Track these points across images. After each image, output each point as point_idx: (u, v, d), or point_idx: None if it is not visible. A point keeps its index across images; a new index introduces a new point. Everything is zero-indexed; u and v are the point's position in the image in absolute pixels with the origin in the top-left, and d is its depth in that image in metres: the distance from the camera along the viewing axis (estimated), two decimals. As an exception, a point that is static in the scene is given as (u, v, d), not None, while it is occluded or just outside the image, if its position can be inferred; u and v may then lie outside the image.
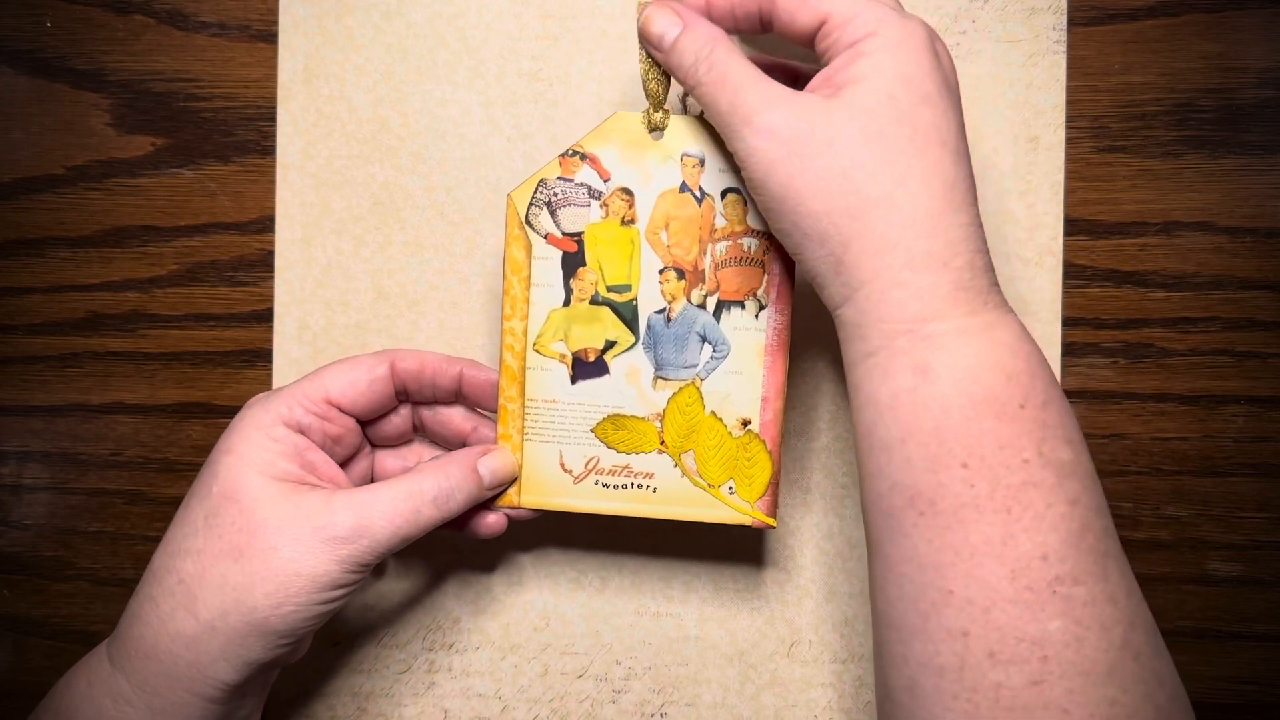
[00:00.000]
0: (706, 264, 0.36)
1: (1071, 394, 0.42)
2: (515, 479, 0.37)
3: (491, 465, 0.36)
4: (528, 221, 0.37)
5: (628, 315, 0.37)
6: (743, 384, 0.37)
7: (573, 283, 0.37)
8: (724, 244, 0.36)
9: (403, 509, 0.34)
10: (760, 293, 0.36)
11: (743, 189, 0.36)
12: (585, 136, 0.37)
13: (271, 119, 0.43)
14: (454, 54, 0.43)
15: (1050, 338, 0.42)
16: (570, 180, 0.37)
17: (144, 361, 0.44)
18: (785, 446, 0.37)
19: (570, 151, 0.37)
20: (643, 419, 0.37)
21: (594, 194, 0.37)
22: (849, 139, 0.30)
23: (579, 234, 0.37)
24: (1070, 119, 0.42)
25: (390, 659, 0.43)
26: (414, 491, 0.34)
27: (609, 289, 0.37)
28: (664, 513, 0.37)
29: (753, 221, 0.36)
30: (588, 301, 0.37)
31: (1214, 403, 0.42)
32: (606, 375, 0.37)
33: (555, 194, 0.37)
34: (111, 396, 0.44)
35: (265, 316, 0.43)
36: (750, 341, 0.36)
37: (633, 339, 0.37)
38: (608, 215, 0.37)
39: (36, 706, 0.35)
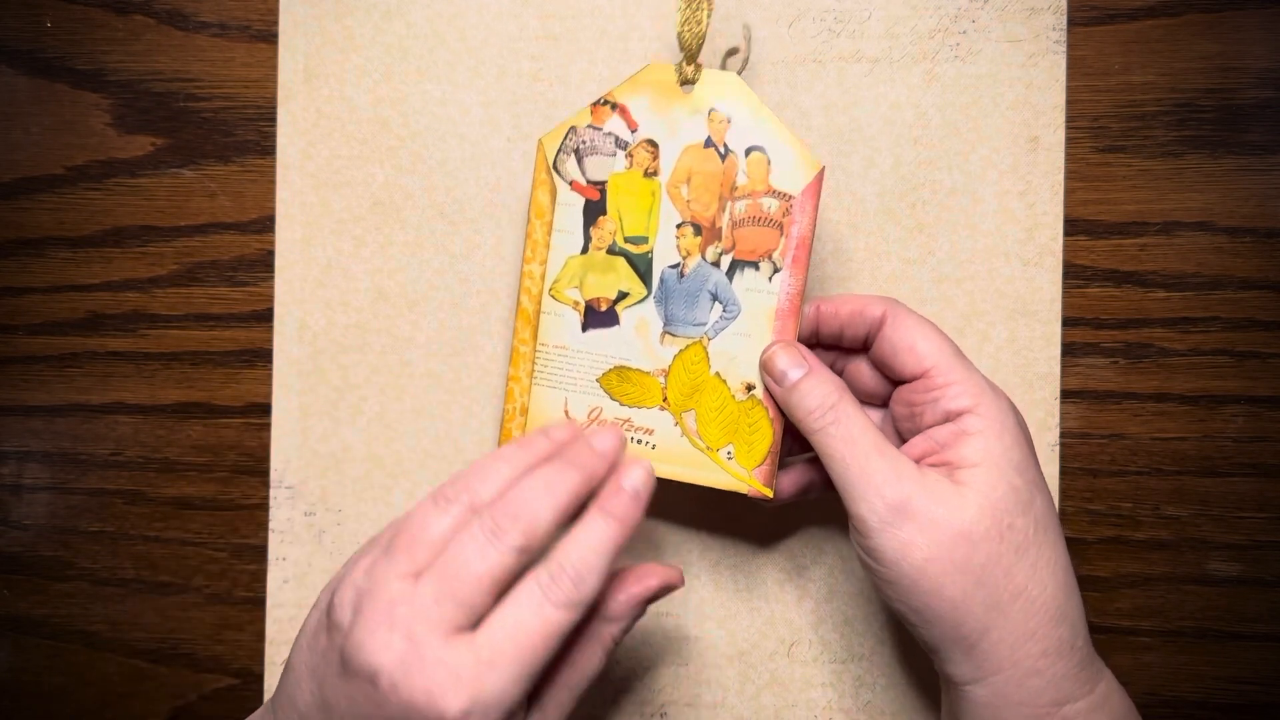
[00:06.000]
0: (724, 222, 0.36)
1: (1071, 394, 0.42)
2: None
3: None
4: (555, 167, 0.37)
5: (642, 267, 0.37)
6: (750, 347, 0.36)
7: (592, 230, 0.37)
8: (744, 203, 0.36)
9: (571, 708, 0.33)
10: (776, 255, 0.36)
11: (766, 150, 0.36)
12: (618, 86, 0.37)
13: (271, 119, 0.43)
14: (454, 54, 0.43)
15: (1050, 338, 0.42)
16: (599, 129, 0.37)
17: (144, 361, 0.44)
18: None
19: (602, 100, 0.37)
20: (648, 374, 0.37)
21: (620, 144, 0.37)
22: (986, 532, 0.31)
23: (603, 183, 0.37)
24: (1070, 119, 0.42)
25: (390, 659, 0.43)
26: (562, 712, 0.33)
27: (626, 240, 0.37)
28: (662, 471, 0.37)
29: (775, 182, 0.36)
30: (605, 250, 0.37)
31: (1214, 403, 0.42)
32: (616, 326, 0.37)
33: (584, 141, 0.37)
34: (111, 396, 0.44)
35: (265, 316, 0.43)
36: (762, 304, 0.36)
37: (645, 292, 0.37)
38: (631, 166, 0.37)
39: None
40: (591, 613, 0.33)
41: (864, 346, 0.36)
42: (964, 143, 0.42)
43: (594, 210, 0.37)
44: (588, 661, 0.33)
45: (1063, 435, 0.42)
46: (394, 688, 0.29)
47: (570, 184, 0.37)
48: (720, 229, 0.36)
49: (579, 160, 0.37)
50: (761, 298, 0.36)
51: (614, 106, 0.36)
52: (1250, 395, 0.42)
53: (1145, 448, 0.42)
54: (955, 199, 0.42)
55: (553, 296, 0.37)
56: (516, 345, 0.38)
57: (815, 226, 0.36)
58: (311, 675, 0.31)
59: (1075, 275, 0.42)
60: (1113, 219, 0.42)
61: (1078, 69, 0.42)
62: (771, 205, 0.36)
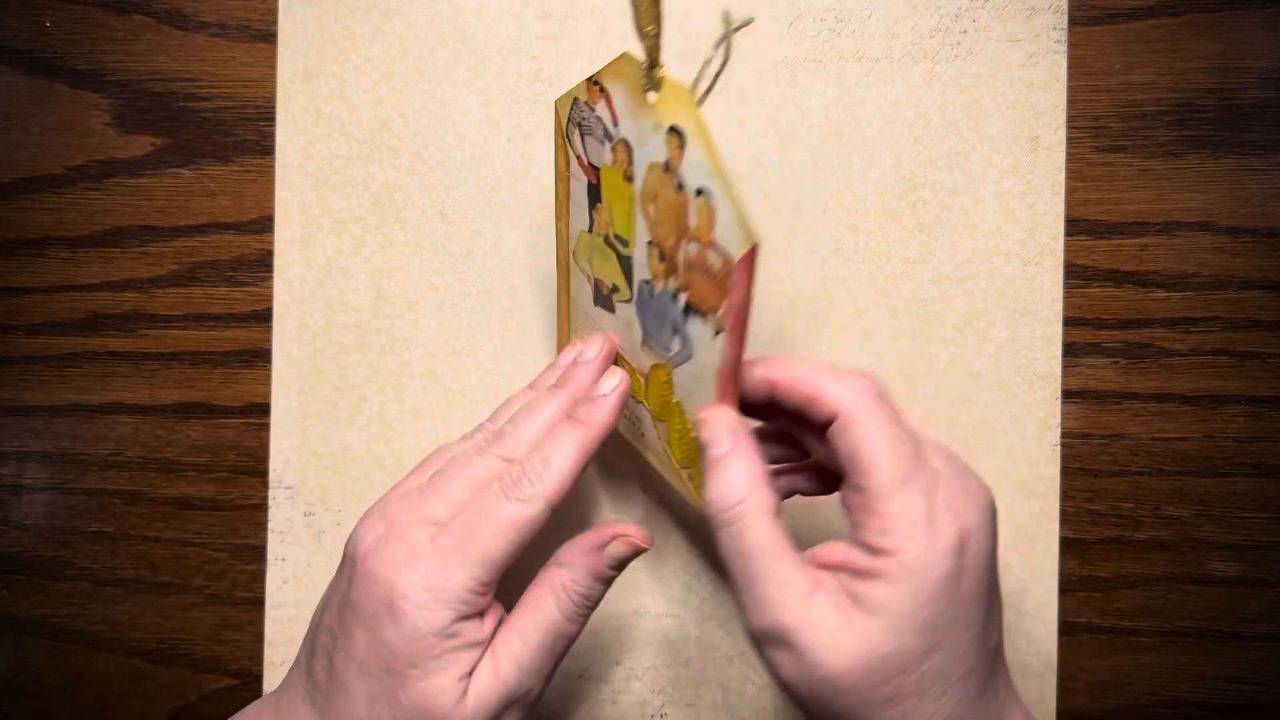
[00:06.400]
0: (680, 258, 0.31)
1: (1072, 394, 0.42)
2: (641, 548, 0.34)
3: (618, 556, 0.34)
4: (568, 135, 0.35)
5: (626, 270, 0.34)
6: (700, 394, 0.32)
7: (594, 214, 0.35)
8: (694, 245, 0.30)
9: (549, 631, 0.33)
10: (719, 315, 0.30)
11: (713, 195, 0.29)
12: (603, 68, 0.32)
13: (271, 119, 0.43)
14: (454, 54, 0.42)
15: (1051, 338, 0.42)
16: (593, 109, 0.33)
17: (144, 361, 0.44)
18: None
19: (593, 79, 0.32)
20: (635, 370, 0.36)
21: (607, 135, 0.33)
22: (852, 686, 0.29)
23: (599, 168, 0.34)
24: (1071, 119, 0.42)
25: (390, 659, 0.43)
26: (556, 619, 0.33)
27: (615, 236, 0.34)
28: (647, 455, 0.38)
29: (719, 236, 0.29)
30: (602, 239, 0.35)
31: (1215, 403, 0.42)
32: (613, 314, 0.36)
33: (584, 118, 0.34)
34: (111, 396, 0.44)
35: (265, 316, 0.43)
36: (708, 357, 0.32)
37: (629, 294, 0.34)
38: (614, 163, 0.33)
39: None
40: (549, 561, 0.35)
41: (817, 431, 0.33)
42: (964, 142, 0.42)
43: (594, 194, 0.34)
44: (537, 605, 0.33)
45: (1063, 435, 0.42)
46: (364, 561, 0.32)
47: (578, 158, 0.34)
48: (677, 264, 0.31)
49: (582, 136, 0.34)
50: (708, 351, 0.31)
51: (602, 90, 0.32)
52: (1251, 395, 0.42)
53: (1146, 448, 0.42)
54: (956, 199, 0.42)
55: (574, 262, 0.37)
56: (559, 294, 0.38)
57: (750, 304, 0.30)
58: (329, 589, 0.35)
59: (1076, 275, 0.42)
60: (1113, 219, 0.42)
61: (1078, 69, 0.42)
62: (715, 261, 0.30)
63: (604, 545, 0.34)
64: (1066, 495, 0.42)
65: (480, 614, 0.32)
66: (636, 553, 0.34)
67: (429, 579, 0.31)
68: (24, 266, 0.44)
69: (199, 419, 0.44)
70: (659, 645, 0.43)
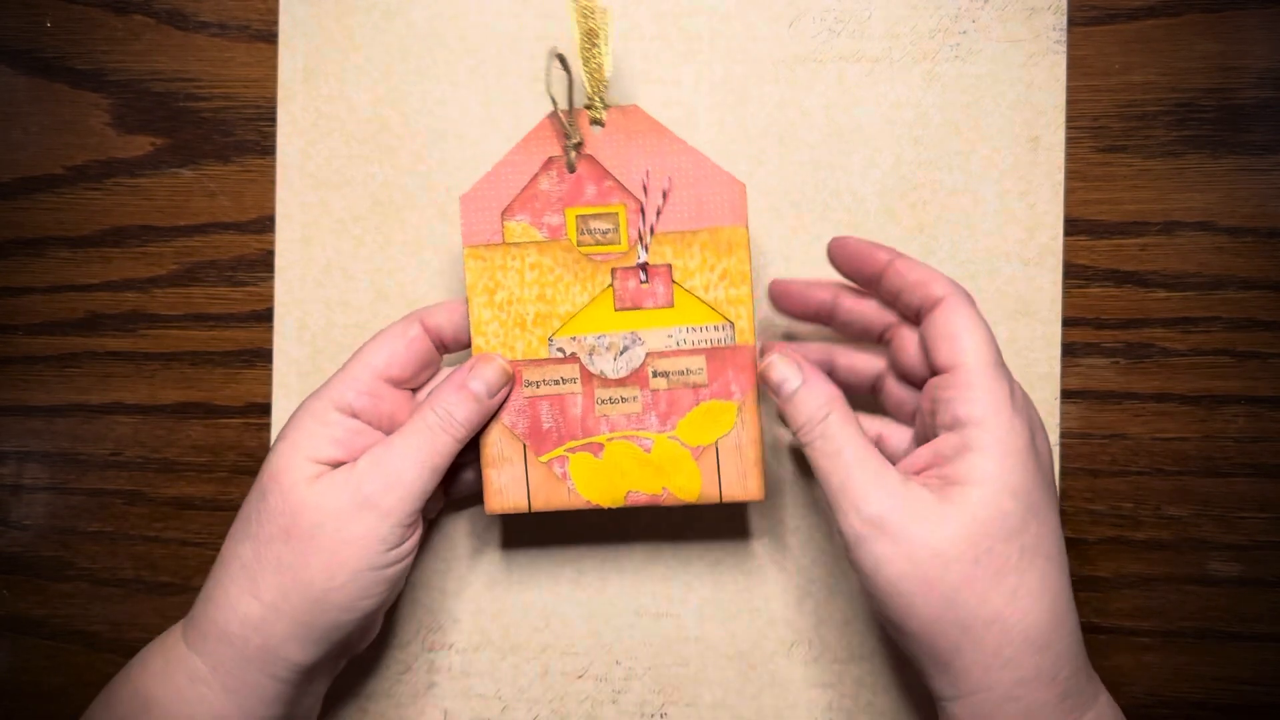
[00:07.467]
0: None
1: (1072, 394, 0.42)
2: (510, 380, 0.37)
3: (482, 376, 0.36)
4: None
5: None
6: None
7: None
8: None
9: (417, 444, 0.35)
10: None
11: None
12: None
13: (271, 119, 0.43)
14: (454, 54, 0.43)
15: (1050, 338, 0.42)
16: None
17: (144, 361, 0.44)
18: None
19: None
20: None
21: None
22: (960, 554, 0.31)
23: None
24: (1070, 119, 0.42)
25: (390, 659, 0.43)
26: (420, 427, 0.35)
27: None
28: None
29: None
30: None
31: (1215, 403, 0.42)
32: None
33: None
34: (111, 397, 0.44)
35: (265, 316, 0.43)
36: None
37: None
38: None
39: (110, 682, 0.37)
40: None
41: (916, 319, 0.36)
42: (964, 143, 0.42)
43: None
44: (408, 422, 0.37)
45: (1063, 435, 0.42)
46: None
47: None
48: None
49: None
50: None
51: None
52: (1251, 395, 0.42)
53: (1146, 448, 0.42)
54: (956, 199, 0.42)
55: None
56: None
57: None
58: None
59: (1076, 275, 0.42)
60: (1113, 219, 0.42)
61: (1078, 69, 0.42)
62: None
63: (471, 369, 0.37)
64: (1066, 495, 0.42)
65: (358, 421, 0.36)
66: (501, 373, 0.37)
67: (320, 388, 0.36)
68: (24, 266, 0.44)
69: (199, 419, 0.44)
70: (659, 645, 0.43)
